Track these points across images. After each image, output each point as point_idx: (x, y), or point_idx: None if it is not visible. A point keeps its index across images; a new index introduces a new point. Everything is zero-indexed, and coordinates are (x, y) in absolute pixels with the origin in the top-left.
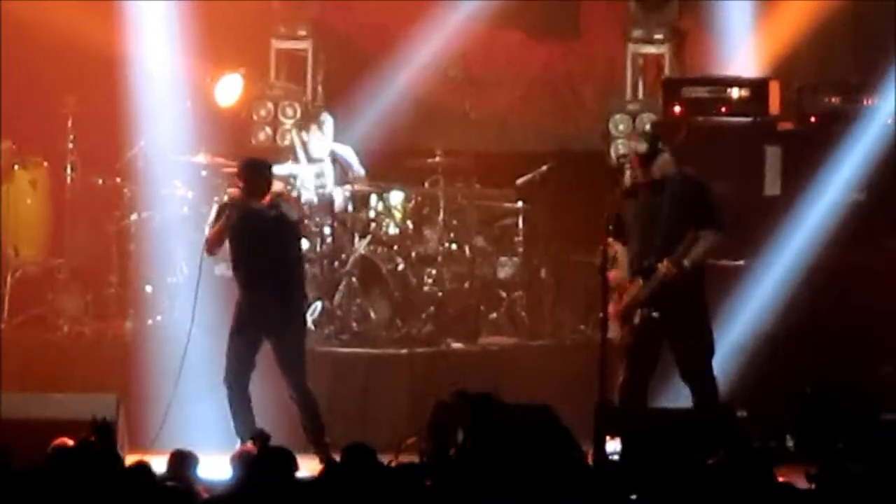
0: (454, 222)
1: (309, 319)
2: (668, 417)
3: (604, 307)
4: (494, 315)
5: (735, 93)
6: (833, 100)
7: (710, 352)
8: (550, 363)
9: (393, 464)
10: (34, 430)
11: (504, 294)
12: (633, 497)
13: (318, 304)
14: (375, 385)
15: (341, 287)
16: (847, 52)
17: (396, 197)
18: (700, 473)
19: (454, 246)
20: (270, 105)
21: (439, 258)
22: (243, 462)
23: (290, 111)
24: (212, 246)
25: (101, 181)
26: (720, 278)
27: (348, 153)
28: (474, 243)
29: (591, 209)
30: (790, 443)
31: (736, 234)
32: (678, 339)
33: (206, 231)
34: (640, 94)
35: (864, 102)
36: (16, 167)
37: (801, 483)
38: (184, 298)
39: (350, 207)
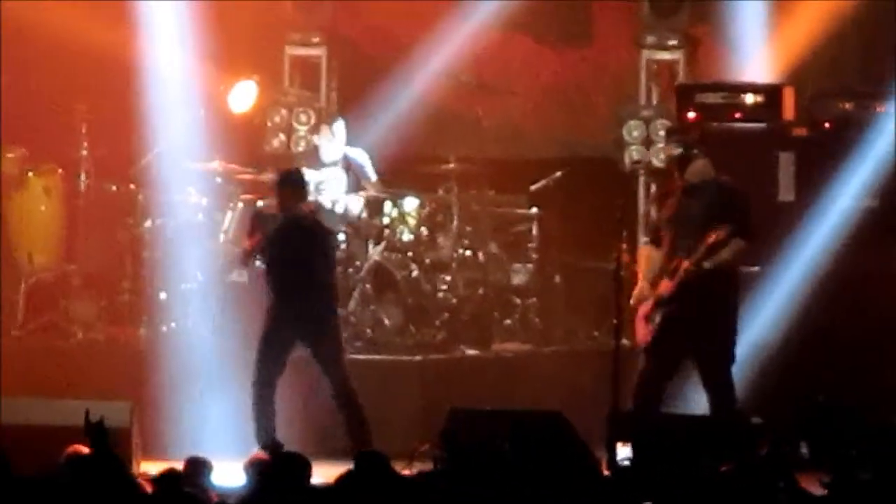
0: (468, 229)
1: None
2: (681, 423)
3: (618, 313)
4: (508, 321)
5: (749, 99)
6: (846, 106)
7: (731, 360)
8: (564, 370)
9: (406, 471)
10: (47, 436)
11: (518, 300)
12: None
13: None
14: (389, 391)
15: (355, 294)
16: (860, 59)
17: (410, 203)
18: (713, 481)
19: (468, 252)
20: (284, 112)
21: (453, 265)
22: (257, 469)
23: (304, 118)
24: (249, 257)
25: (114, 188)
26: None
27: (362, 157)
28: (488, 250)
29: (604, 215)
30: (804, 450)
31: None
32: (700, 343)
33: (222, 238)
34: (654, 101)
35: (877, 109)
36: (30, 174)
37: (816, 490)
38: (198, 305)
39: (364, 214)
